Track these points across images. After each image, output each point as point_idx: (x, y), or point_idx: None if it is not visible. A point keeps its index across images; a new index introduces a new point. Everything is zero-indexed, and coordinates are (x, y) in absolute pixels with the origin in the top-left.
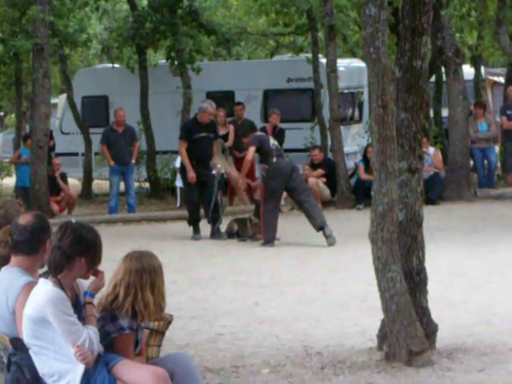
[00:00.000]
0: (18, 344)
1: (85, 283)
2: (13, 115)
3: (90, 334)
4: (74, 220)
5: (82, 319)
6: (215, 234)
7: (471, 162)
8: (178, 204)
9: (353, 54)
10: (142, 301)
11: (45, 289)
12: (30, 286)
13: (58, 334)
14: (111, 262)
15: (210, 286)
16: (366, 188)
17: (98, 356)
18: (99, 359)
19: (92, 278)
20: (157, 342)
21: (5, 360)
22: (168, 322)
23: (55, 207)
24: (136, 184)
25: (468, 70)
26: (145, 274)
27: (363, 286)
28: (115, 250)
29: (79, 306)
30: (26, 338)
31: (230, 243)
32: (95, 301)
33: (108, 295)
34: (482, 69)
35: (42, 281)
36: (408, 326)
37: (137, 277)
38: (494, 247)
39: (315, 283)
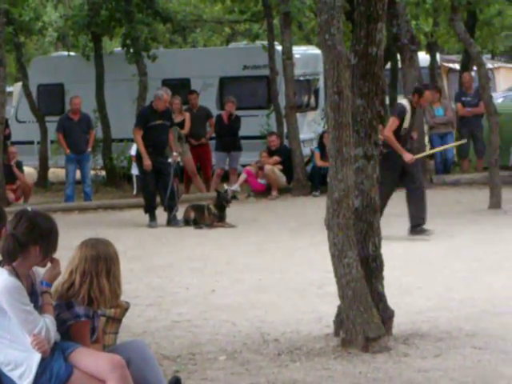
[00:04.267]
0: None
1: (41, 271)
2: None
3: (47, 322)
4: (29, 208)
5: (39, 308)
6: (171, 222)
7: (427, 149)
8: (135, 192)
9: (308, 41)
10: (98, 288)
11: (0, 278)
12: None
13: (14, 323)
14: (67, 250)
15: (167, 274)
16: (322, 175)
17: (55, 344)
18: (56, 347)
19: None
20: (113, 330)
21: None
22: (124, 309)
23: (11, 196)
24: (92, 172)
25: (423, 57)
26: (100, 261)
27: (320, 272)
28: (71, 239)
29: (35, 295)
30: None
31: (187, 231)
32: (52, 288)
33: (64, 282)
34: (438, 56)
35: None
36: (364, 312)
37: (92, 264)
38: (449, 233)
39: (272, 270)
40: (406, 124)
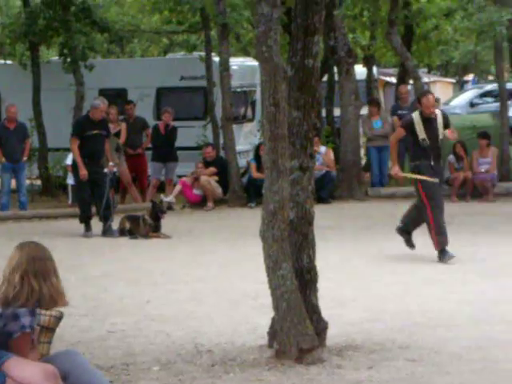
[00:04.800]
0: None
1: None
2: None
3: None
4: None
5: None
6: (107, 232)
7: (363, 162)
8: (70, 201)
9: (246, 53)
10: (52, 286)
11: None
12: None
13: None
14: (2, 259)
15: (102, 284)
16: (258, 186)
17: None
18: None
19: None
20: (47, 339)
21: None
22: (58, 318)
23: None
24: (27, 181)
25: (360, 70)
26: (47, 261)
27: (254, 284)
28: (6, 248)
29: None
30: None
31: (122, 241)
32: None
33: (6, 287)
34: (374, 69)
35: None
36: (298, 323)
37: (42, 264)
38: (383, 246)
39: (207, 281)
40: (421, 135)
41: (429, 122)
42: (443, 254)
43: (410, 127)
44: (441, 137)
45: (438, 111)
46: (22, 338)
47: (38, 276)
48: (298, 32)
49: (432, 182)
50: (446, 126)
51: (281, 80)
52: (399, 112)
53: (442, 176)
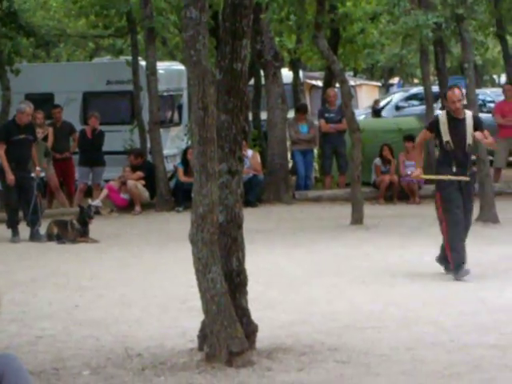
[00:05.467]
0: None
1: None
2: None
3: None
4: None
5: None
6: (34, 237)
7: (289, 165)
8: None
9: (172, 57)
10: None
11: None
12: None
13: None
14: None
15: (30, 289)
16: (186, 190)
17: None
18: None
19: None
20: None
21: None
22: None
23: None
24: None
25: (286, 74)
26: None
27: (183, 287)
28: None
29: None
30: None
31: (50, 246)
32: None
33: None
34: (301, 72)
35: None
36: (228, 326)
37: None
38: (311, 249)
39: (135, 285)
40: (445, 137)
41: (456, 122)
42: (457, 270)
43: (434, 127)
44: (469, 141)
45: (468, 112)
46: None
47: None
48: (226, 36)
49: (453, 194)
50: (477, 129)
51: (209, 84)
52: (326, 115)
53: (469, 189)
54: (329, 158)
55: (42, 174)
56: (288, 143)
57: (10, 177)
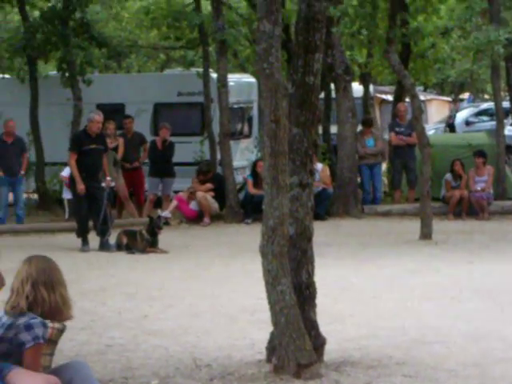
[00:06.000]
0: None
1: None
2: None
3: None
4: None
5: None
6: (104, 246)
7: (359, 179)
8: (67, 216)
9: (243, 69)
10: (61, 297)
11: None
12: None
13: None
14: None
15: (100, 298)
16: (255, 202)
17: None
18: None
19: None
20: (49, 351)
21: None
22: (60, 331)
23: None
24: (24, 195)
25: (357, 88)
26: (56, 272)
27: (252, 299)
28: (4, 261)
29: None
30: None
31: (119, 256)
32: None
33: (22, 298)
34: (371, 86)
35: None
36: (297, 338)
37: (51, 274)
38: (380, 263)
39: (204, 296)
40: None
41: None
42: None
43: None
44: None
45: None
46: (35, 348)
47: (47, 286)
48: (299, 49)
49: None
50: None
51: (282, 97)
52: (396, 129)
53: None
54: (399, 173)
55: (113, 184)
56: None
57: (81, 186)
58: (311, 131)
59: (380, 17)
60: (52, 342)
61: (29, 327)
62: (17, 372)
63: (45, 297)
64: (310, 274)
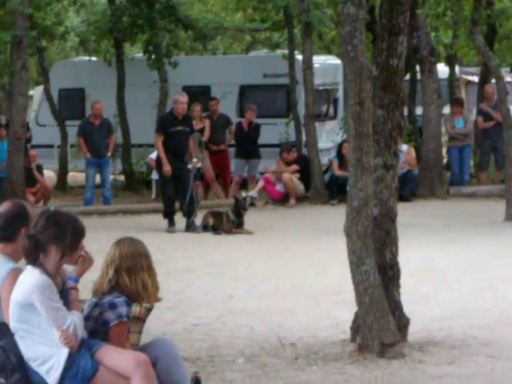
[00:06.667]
0: (3, 328)
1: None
2: None
3: (75, 319)
4: (52, 208)
5: (67, 305)
6: (190, 227)
7: (444, 160)
8: (153, 196)
9: (328, 51)
10: (142, 283)
11: (32, 275)
12: (14, 272)
13: (44, 319)
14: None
15: (185, 278)
16: (340, 184)
17: (82, 341)
18: (83, 344)
19: None
20: (138, 329)
21: None
22: (148, 309)
23: (31, 198)
24: (111, 177)
25: (442, 69)
26: (141, 257)
27: (337, 279)
28: (91, 242)
29: (65, 293)
30: (13, 322)
31: (205, 236)
32: (91, 286)
33: (104, 281)
34: (456, 68)
35: (29, 268)
36: (381, 318)
37: (134, 260)
38: (464, 244)
39: (289, 277)
40: None
41: None
42: None
43: None
44: None
45: None
46: (120, 326)
47: (129, 272)
48: (383, 32)
49: None
50: None
51: (366, 79)
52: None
53: None
54: (487, 154)
55: (199, 165)
56: (444, 138)
57: (167, 168)
58: (395, 113)
59: None
60: (140, 320)
61: (113, 306)
62: (106, 349)
63: (126, 282)
64: (394, 255)
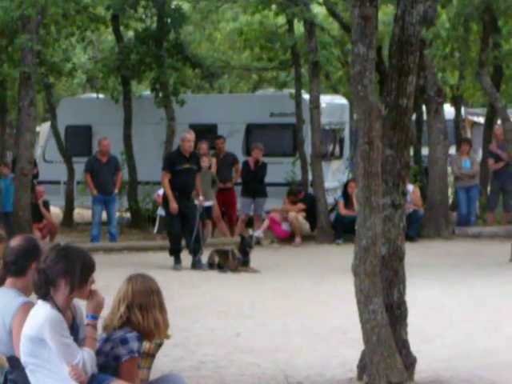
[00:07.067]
0: (14, 362)
1: (83, 304)
2: None
3: (85, 355)
4: (62, 242)
5: (79, 340)
6: (196, 265)
7: (450, 200)
8: (156, 230)
9: (334, 91)
10: (153, 320)
11: (43, 310)
12: (25, 306)
13: (54, 354)
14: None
15: (192, 316)
16: (346, 223)
17: (92, 376)
18: (93, 379)
19: None
20: (147, 365)
21: (0, 378)
22: (158, 345)
23: (37, 234)
24: (117, 214)
25: (448, 110)
26: (153, 295)
27: (343, 318)
28: (97, 278)
29: (75, 328)
30: (23, 357)
31: (211, 274)
32: (101, 322)
33: (115, 317)
34: (462, 109)
35: (40, 302)
36: (388, 357)
37: (147, 297)
38: (470, 284)
39: (296, 315)
40: None
41: None
42: None
43: None
44: None
45: None
46: (131, 361)
47: (142, 309)
48: (393, 72)
49: None
50: None
51: (375, 119)
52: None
53: None
54: (496, 194)
55: (211, 203)
56: (449, 179)
57: (174, 205)
58: (404, 153)
59: (472, 39)
60: (150, 355)
61: (124, 341)
62: (116, 383)
63: (139, 319)
64: (402, 294)
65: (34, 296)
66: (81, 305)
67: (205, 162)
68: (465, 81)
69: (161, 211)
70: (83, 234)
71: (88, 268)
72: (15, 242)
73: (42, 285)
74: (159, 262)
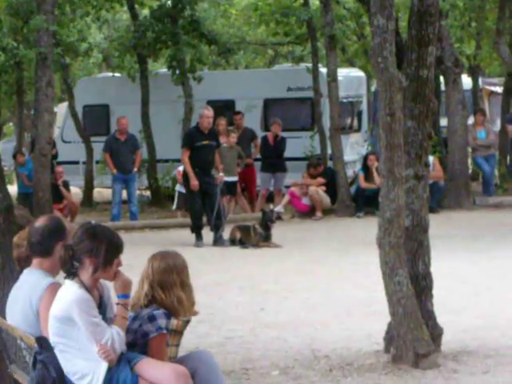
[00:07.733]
0: (43, 343)
1: (110, 284)
2: (11, 124)
3: (114, 333)
4: (93, 221)
5: (107, 319)
6: (218, 241)
7: (470, 171)
8: (174, 207)
9: (351, 64)
10: (176, 298)
11: (71, 290)
12: (52, 287)
13: (82, 333)
14: None
15: (215, 292)
16: (366, 196)
17: (121, 354)
18: (122, 357)
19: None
20: (175, 342)
21: (28, 359)
22: (186, 322)
23: (58, 214)
24: (137, 192)
25: (465, 80)
26: (172, 273)
27: (366, 291)
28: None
29: (103, 307)
30: (52, 337)
31: (233, 250)
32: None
33: (142, 295)
34: (480, 78)
35: (67, 282)
36: (414, 328)
37: (165, 276)
38: (493, 254)
39: (319, 289)
40: None
41: None
42: None
43: None
44: None
45: None
46: (159, 338)
47: (162, 287)
48: (413, 43)
49: None
50: None
51: (396, 90)
52: None
53: None
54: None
55: (234, 178)
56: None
57: (195, 182)
58: (426, 124)
59: (489, 8)
60: (178, 333)
61: (152, 318)
62: (145, 361)
63: (162, 297)
64: (427, 265)
65: (61, 276)
66: (108, 284)
67: (233, 138)
68: (482, 50)
69: (179, 188)
70: (103, 213)
71: (114, 249)
72: (40, 222)
73: (68, 260)
74: (181, 239)
